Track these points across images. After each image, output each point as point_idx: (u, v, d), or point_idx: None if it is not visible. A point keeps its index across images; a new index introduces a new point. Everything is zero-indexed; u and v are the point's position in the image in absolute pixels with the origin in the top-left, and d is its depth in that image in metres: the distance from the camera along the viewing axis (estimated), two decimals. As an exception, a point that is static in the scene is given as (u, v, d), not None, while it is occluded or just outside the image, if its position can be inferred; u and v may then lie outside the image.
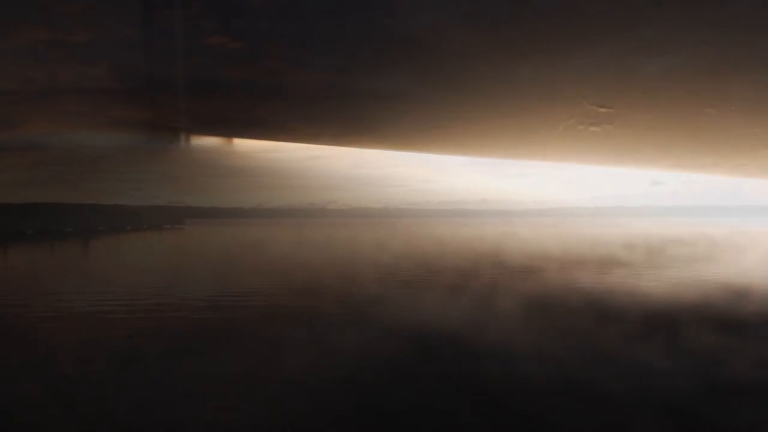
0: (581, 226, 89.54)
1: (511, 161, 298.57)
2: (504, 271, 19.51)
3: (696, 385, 6.85)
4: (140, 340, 9.00)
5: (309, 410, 5.84)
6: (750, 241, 41.50)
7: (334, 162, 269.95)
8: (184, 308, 11.86)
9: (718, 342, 8.99)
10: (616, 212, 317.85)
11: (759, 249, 33.06)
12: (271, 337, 9.29)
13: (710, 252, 28.21)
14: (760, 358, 8.25)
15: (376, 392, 6.50)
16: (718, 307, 12.28)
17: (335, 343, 8.78)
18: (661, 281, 16.57)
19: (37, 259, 25.03)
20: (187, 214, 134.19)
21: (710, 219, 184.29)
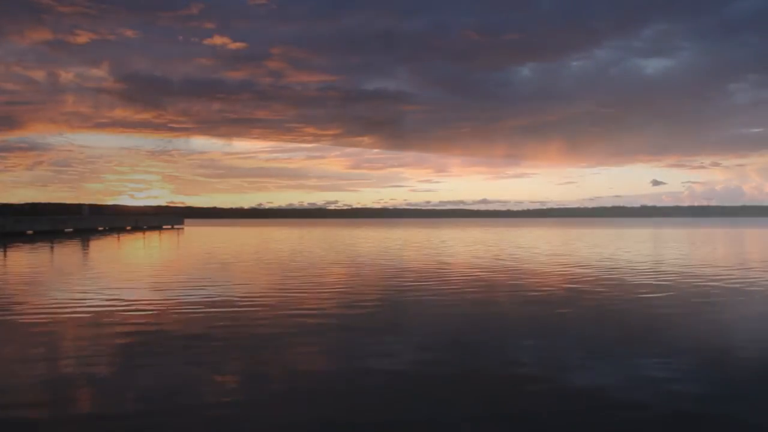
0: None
1: (511, 161, 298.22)
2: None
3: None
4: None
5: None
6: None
7: (334, 162, 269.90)
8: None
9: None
10: (616, 212, 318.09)
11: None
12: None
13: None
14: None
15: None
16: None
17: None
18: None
19: (33, 260, 25.00)
20: (187, 214, 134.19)
21: (708, 220, 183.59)
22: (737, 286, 15.28)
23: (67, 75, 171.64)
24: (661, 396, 6.10)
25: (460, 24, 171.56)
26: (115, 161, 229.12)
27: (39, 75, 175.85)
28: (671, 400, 5.97)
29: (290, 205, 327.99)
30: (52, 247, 32.78)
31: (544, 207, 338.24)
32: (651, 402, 5.92)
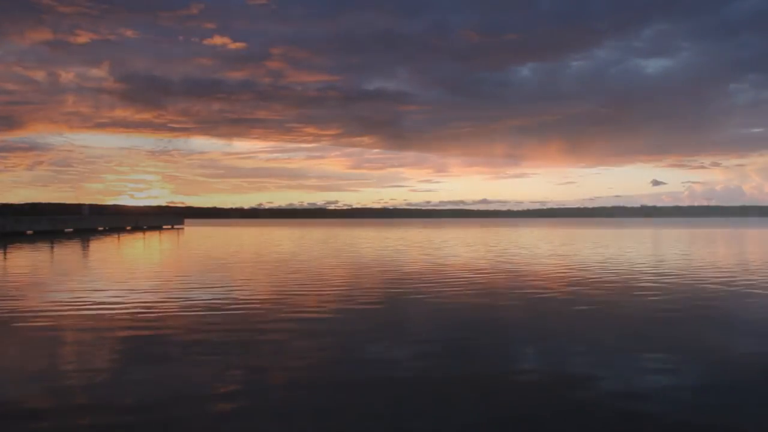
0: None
1: (511, 161, 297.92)
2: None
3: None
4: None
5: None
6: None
7: (334, 162, 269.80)
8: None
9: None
10: (616, 212, 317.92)
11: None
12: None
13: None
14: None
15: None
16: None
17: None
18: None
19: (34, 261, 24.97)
20: (187, 214, 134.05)
21: (708, 220, 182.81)
22: (742, 288, 15.25)
23: (67, 75, 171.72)
24: (664, 401, 6.07)
25: (460, 24, 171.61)
26: (115, 161, 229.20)
27: (39, 75, 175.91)
28: (674, 406, 5.94)
29: (290, 205, 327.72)
30: (52, 248, 32.75)
31: (544, 207, 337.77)
32: (654, 408, 5.88)
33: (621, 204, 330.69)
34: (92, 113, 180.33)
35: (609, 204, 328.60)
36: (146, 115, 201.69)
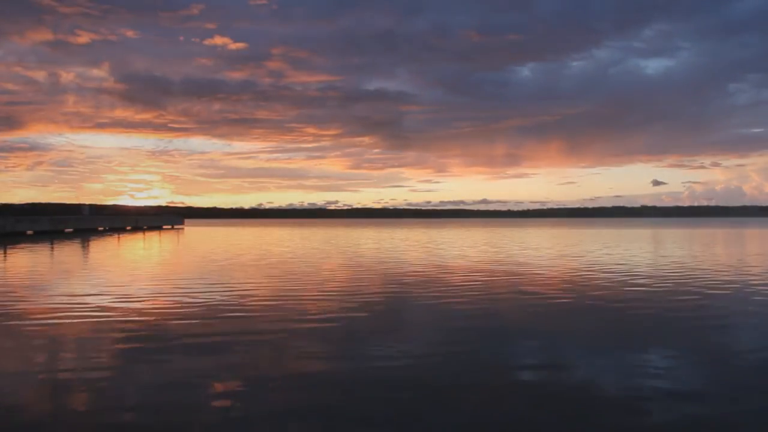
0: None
1: (511, 161, 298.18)
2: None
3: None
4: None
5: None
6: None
7: (334, 162, 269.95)
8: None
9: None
10: (616, 212, 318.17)
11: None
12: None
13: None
14: None
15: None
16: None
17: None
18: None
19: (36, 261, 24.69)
20: (187, 214, 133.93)
21: (709, 220, 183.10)
22: (755, 288, 15.00)
23: (67, 75, 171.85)
24: (666, 406, 5.82)
25: (461, 24, 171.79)
26: (115, 161, 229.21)
27: (40, 75, 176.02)
28: (676, 413, 5.68)
29: (290, 205, 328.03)
30: (52, 248, 32.49)
31: (545, 207, 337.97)
32: (656, 413, 5.62)
33: (621, 204, 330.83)
34: (92, 113, 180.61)
35: (609, 204, 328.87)
36: (146, 116, 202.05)
